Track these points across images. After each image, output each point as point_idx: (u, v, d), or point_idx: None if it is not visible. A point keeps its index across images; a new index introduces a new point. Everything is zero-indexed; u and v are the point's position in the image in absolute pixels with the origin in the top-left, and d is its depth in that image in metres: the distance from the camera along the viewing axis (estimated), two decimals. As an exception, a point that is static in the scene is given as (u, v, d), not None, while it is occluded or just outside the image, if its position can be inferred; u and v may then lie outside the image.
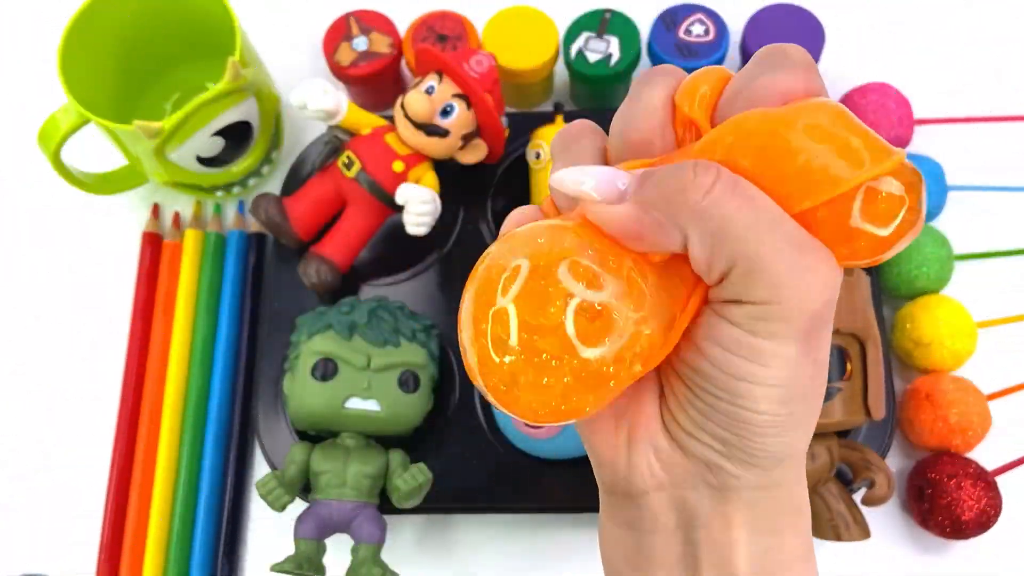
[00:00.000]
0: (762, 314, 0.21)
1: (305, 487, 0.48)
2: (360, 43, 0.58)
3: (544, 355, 0.21)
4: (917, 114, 0.56)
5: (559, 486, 0.49)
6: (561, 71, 0.60)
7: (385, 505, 0.48)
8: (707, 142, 0.22)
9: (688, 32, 0.57)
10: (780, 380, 0.22)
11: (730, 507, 0.24)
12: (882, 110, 0.55)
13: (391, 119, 0.52)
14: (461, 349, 0.22)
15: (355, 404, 0.47)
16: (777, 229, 0.21)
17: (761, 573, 0.24)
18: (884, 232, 0.21)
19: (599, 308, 0.21)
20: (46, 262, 0.61)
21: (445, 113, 0.50)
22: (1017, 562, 0.50)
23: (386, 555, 0.47)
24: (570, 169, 0.23)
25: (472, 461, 0.50)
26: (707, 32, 0.56)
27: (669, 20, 0.57)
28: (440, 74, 0.51)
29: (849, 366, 0.45)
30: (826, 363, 0.23)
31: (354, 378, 0.47)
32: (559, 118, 0.54)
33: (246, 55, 0.53)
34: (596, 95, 0.60)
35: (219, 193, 0.60)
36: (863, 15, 0.63)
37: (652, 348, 0.22)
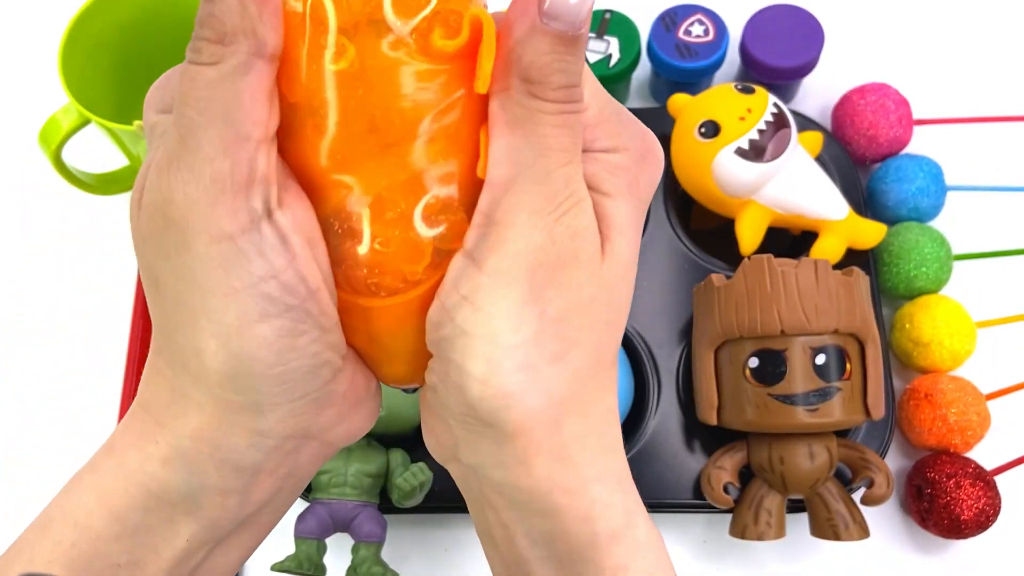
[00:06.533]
0: None
1: (306, 486, 0.48)
2: (360, 43, 0.58)
3: None
4: (916, 114, 0.56)
5: (559, 486, 0.49)
6: (561, 71, 0.60)
7: (385, 504, 0.48)
8: None
9: (688, 32, 0.57)
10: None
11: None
12: (881, 110, 0.55)
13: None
14: None
15: (355, 404, 0.47)
16: None
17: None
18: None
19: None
20: (46, 262, 0.61)
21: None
22: (1016, 562, 0.50)
23: (386, 554, 0.47)
24: None
25: (472, 461, 0.50)
26: (707, 32, 0.56)
27: (669, 20, 0.57)
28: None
29: (848, 366, 0.45)
30: None
31: (354, 378, 0.47)
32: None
33: (246, 55, 0.53)
34: (596, 95, 0.60)
35: (219, 193, 0.60)
36: (863, 15, 0.63)
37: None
